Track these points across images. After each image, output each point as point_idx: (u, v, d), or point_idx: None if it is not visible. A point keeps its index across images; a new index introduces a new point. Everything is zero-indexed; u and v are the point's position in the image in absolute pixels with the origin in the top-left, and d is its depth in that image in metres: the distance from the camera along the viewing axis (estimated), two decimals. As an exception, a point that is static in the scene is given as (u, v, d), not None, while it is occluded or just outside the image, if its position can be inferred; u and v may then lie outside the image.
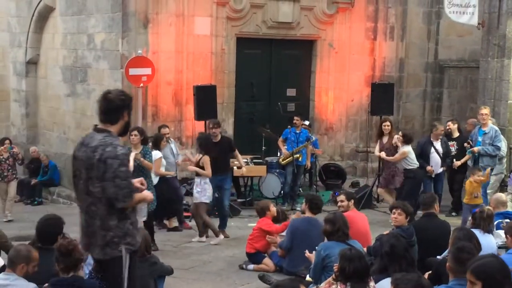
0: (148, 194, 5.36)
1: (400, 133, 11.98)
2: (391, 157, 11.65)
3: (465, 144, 11.84)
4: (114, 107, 5.09)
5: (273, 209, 8.95)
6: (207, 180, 10.19)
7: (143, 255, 6.01)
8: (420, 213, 9.58)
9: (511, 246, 6.49)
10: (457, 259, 4.96)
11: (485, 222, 7.15)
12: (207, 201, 10.24)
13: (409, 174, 11.56)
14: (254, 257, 8.69)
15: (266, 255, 8.67)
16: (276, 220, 9.02)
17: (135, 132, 9.83)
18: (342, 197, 8.53)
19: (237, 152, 11.10)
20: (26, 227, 11.10)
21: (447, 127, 12.74)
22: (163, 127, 11.72)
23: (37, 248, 5.77)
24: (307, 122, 13.75)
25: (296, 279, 6.31)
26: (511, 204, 10.77)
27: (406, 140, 11.57)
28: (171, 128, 13.69)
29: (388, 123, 12.02)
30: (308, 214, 8.22)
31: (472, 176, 10.82)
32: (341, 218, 7.01)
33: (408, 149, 11.55)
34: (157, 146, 10.62)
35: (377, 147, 12.10)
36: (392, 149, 11.74)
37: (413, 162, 11.56)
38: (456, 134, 12.50)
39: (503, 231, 7.56)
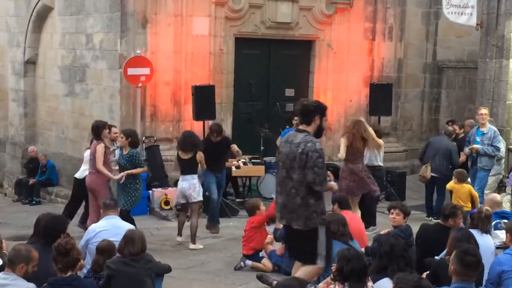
0: (334, 184, 7.07)
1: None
2: (378, 139, 10.86)
3: (467, 150, 11.56)
4: (307, 111, 6.40)
5: (263, 208, 8.91)
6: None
7: (138, 254, 6.02)
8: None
9: (511, 244, 6.49)
10: (463, 262, 4.96)
11: (483, 223, 7.15)
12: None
13: (377, 173, 11.21)
14: (252, 258, 8.63)
15: (264, 254, 8.64)
16: (273, 221, 8.97)
17: (122, 135, 9.86)
18: None
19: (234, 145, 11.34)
20: (24, 226, 11.09)
21: (455, 131, 12.72)
22: (113, 126, 11.24)
23: (39, 245, 5.78)
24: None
25: (296, 278, 6.31)
26: (510, 205, 10.80)
27: (378, 136, 11.09)
28: (169, 128, 13.76)
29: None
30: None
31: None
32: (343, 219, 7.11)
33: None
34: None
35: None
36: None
37: (382, 160, 11.35)
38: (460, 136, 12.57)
39: (502, 231, 7.58)
